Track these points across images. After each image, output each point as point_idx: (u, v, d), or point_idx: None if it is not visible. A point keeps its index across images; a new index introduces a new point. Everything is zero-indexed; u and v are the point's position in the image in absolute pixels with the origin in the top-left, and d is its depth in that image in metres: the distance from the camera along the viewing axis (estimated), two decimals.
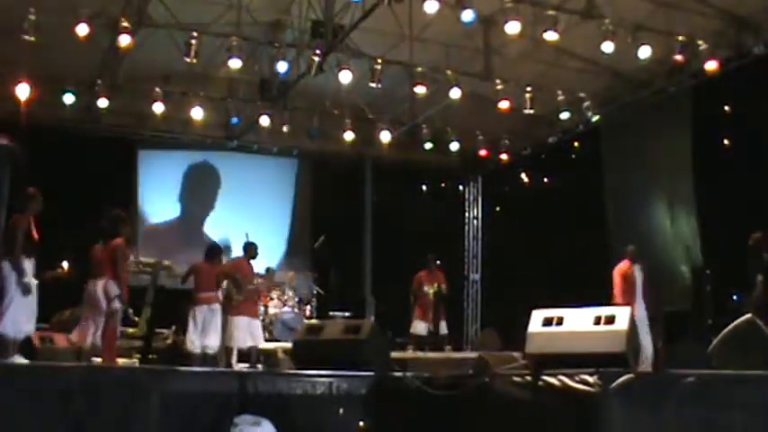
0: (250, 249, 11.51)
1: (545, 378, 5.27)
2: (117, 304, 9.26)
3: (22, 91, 12.38)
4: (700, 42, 11.40)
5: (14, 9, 10.38)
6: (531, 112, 13.28)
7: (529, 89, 13.07)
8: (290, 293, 14.45)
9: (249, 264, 11.37)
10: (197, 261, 11.41)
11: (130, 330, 11.73)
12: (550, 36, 10.90)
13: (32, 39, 10.57)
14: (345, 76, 12.00)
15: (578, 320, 5.91)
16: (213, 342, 10.84)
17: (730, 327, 6.33)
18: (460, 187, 18.49)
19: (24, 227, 8.69)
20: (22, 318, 8.56)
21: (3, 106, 12.64)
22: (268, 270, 14.90)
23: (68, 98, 13.23)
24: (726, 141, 12.73)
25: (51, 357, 9.02)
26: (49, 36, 10.69)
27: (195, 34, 11.20)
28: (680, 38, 11.26)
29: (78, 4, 10.73)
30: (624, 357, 5.44)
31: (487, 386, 5.78)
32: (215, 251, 11.76)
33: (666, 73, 12.57)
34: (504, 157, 16.33)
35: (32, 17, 10.48)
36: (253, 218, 17.03)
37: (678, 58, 11.42)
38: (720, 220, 11.91)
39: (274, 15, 11.82)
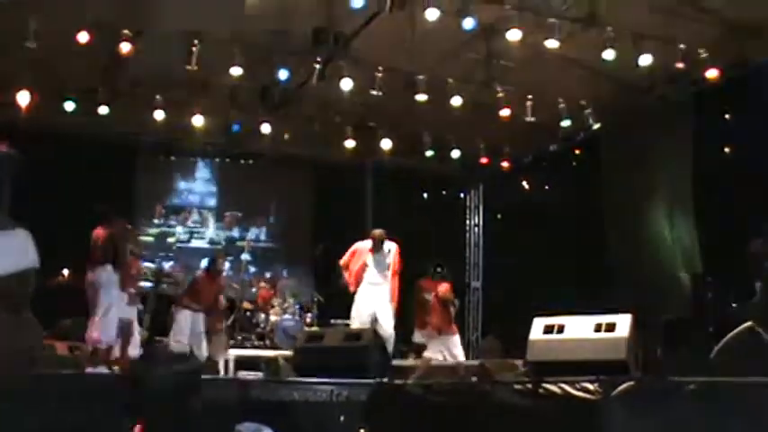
0: (440, 270, 12.28)
1: (546, 385, 5.27)
2: None
3: (23, 98, 12.40)
4: (700, 50, 11.41)
5: (15, 16, 10.38)
6: (532, 119, 13.29)
7: (530, 97, 13.09)
8: (291, 301, 14.46)
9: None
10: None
11: None
12: (551, 44, 10.93)
13: (33, 46, 10.59)
14: (346, 84, 12.03)
15: (579, 328, 5.93)
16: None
17: (731, 334, 6.33)
18: (461, 195, 18.49)
19: (109, 239, 9.28)
20: (111, 327, 9.03)
21: (3, 113, 12.65)
22: (272, 278, 14.95)
23: (69, 105, 13.22)
24: (726, 149, 12.73)
25: (51, 365, 9.03)
26: (49, 43, 10.71)
27: (196, 41, 11.23)
28: (681, 46, 11.27)
29: (79, 12, 10.74)
30: (625, 364, 5.45)
31: (488, 394, 5.78)
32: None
33: (667, 81, 12.57)
34: (504, 164, 16.34)
35: (33, 24, 10.49)
36: (254, 225, 17.11)
37: (679, 65, 11.44)
38: (721, 228, 11.91)
39: (276, 22, 11.83)
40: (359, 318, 11.32)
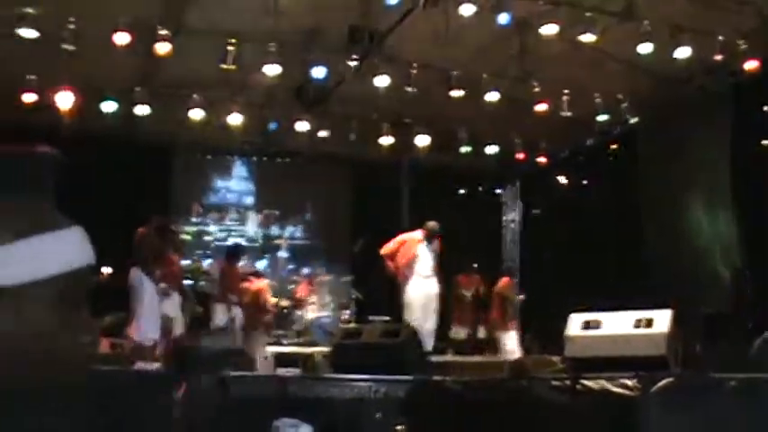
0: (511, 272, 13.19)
1: (584, 382, 5.25)
2: None
3: (63, 100, 12.56)
4: (739, 42, 11.29)
5: (55, 19, 10.52)
6: (569, 114, 13.22)
7: (566, 91, 13.02)
8: (329, 298, 14.52)
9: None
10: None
11: None
12: (587, 38, 10.87)
13: (73, 48, 10.72)
14: (382, 81, 12.04)
15: (617, 323, 5.89)
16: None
17: None
18: (498, 190, 18.44)
19: (148, 238, 9.53)
20: (150, 325, 9.27)
21: (45, 115, 12.82)
22: (309, 275, 15.03)
23: (108, 106, 13.35)
24: (766, 141, 12.58)
25: (94, 362, 9.17)
26: (88, 45, 10.83)
27: (233, 41, 11.30)
28: (719, 37, 11.16)
29: (117, 13, 10.86)
30: (664, 360, 5.41)
31: (526, 390, 5.77)
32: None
33: (705, 73, 12.45)
34: (541, 159, 16.25)
35: (72, 26, 10.62)
36: (291, 223, 17.20)
37: (717, 57, 11.32)
38: (760, 221, 11.79)
39: (311, 21, 11.87)
40: (410, 310, 11.28)
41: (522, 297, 12.98)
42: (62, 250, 1.20)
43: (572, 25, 10.94)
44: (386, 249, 11.66)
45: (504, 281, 13.00)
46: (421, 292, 11.40)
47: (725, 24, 11.07)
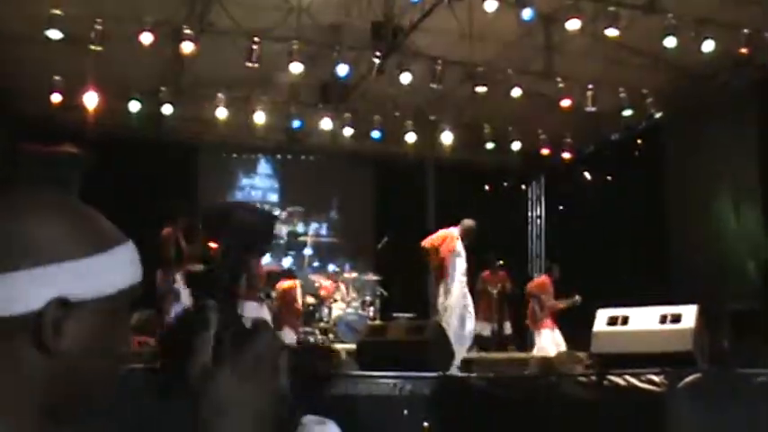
0: (554, 271, 13.11)
1: (611, 378, 5.24)
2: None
3: (90, 100, 12.66)
4: (767, 35, 11.19)
5: (82, 20, 10.60)
6: (593, 109, 13.16)
7: (590, 87, 12.97)
8: (354, 295, 14.53)
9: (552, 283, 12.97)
10: None
11: None
12: (611, 32, 10.81)
13: (99, 48, 10.80)
14: (406, 78, 12.04)
15: (644, 319, 5.86)
16: None
17: None
18: (523, 186, 18.40)
19: (173, 239, 9.56)
20: None
21: (72, 115, 12.93)
22: (334, 272, 15.05)
23: (134, 106, 13.45)
24: None
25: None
26: (114, 45, 10.91)
27: (257, 39, 11.34)
28: (745, 31, 11.07)
29: (142, 14, 10.93)
30: (691, 356, 5.38)
31: (552, 386, 5.76)
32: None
33: (731, 67, 12.35)
34: (566, 155, 16.17)
35: (99, 27, 10.71)
36: (316, 220, 17.23)
37: (743, 51, 11.23)
38: None
39: (334, 18, 11.89)
40: (450, 313, 11.22)
41: (578, 298, 12.86)
42: (125, 266, 1.24)
43: (595, 20, 10.90)
44: (427, 242, 11.55)
45: (537, 280, 13.05)
46: (462, 294, 11.35)
47: (750, 17, 10.98)
